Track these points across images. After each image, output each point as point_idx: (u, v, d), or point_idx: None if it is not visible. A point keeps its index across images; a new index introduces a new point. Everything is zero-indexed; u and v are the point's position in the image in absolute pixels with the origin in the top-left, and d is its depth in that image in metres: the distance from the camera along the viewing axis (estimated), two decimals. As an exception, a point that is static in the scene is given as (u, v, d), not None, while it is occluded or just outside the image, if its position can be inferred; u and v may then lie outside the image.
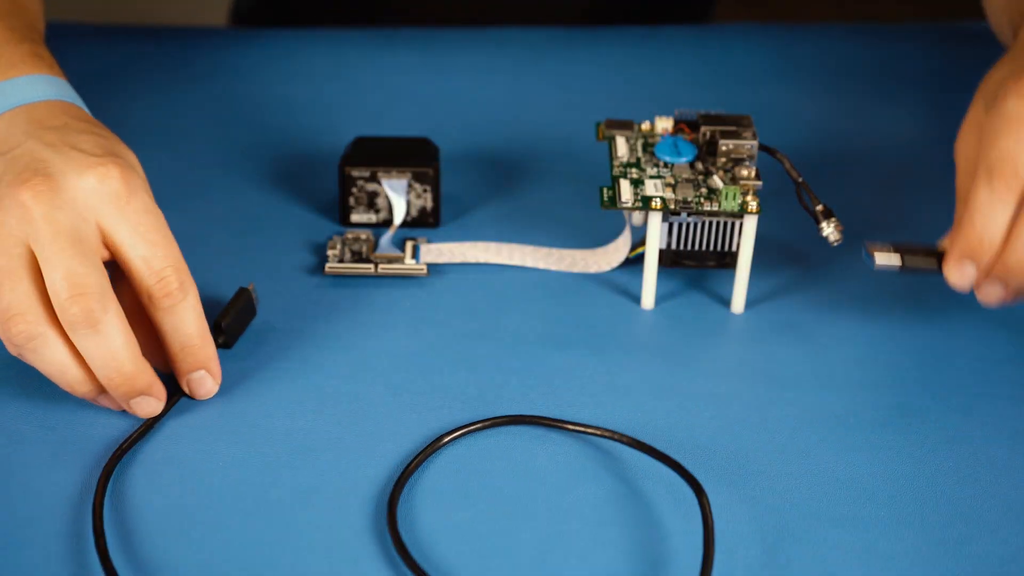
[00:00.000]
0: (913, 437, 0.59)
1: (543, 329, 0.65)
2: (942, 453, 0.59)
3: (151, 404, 0.57)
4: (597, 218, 0.73)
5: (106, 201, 0.56)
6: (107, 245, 0.57)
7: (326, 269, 0.68)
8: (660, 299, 0.68)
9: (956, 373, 0.63)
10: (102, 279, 0.55)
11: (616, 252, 0.68)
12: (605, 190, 0.66)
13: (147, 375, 0.56)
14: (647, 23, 1.01)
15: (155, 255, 0.57)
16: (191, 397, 0.59)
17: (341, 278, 0.69)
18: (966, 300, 0.68)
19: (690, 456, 0.58)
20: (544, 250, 0.70)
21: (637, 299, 0.68)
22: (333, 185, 0.75)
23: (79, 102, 0.62)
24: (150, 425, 0.58)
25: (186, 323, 0.57)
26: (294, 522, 0.54)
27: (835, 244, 0.65)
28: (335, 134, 0.80)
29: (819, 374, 0.63)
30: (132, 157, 0.60)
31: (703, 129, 0.68)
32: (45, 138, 0.58)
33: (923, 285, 0.69)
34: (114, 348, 0.55)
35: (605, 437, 0.58)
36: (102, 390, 0.57)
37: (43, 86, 0.61)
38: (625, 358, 0.64)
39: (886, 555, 0.53)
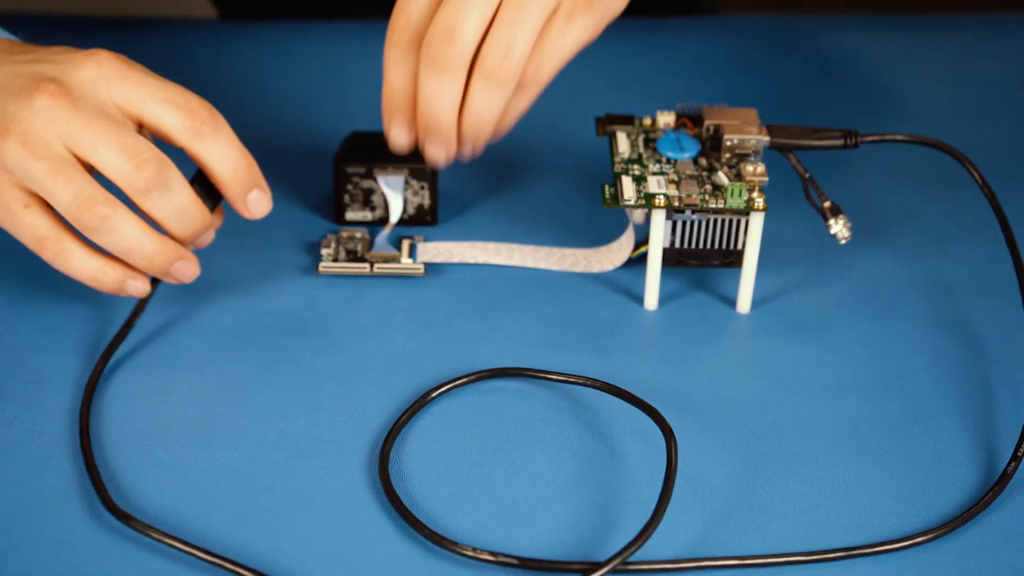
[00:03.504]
0: (925, 441, 0.58)
1: (544, 330, 0.64)
2: (953, 458, 0.57)
3: (210, 235, 0.63)
4: (599, 216, 0.72)
5: (112, 78, 0.59)
6: (131, 117, 0.59)
7: (320, 269, 0.67)
8: (663, 299, 0.67)
9: (968, 376, 0.62)
10: (148, 142, 0.58)
11: (619, 251, 0.67)
12: (607, 187, 0.64)
13: (207, 213, 0.61)
14: (648, 15, 1.00)
15: (175, 95, 0.59)
16: (250, 219, 0.62)
17: (336, 278, 0.67)
18: (979, 303, 0.67)
19: (695, 457, 0.57)
20: (545, 250, 0.69)
21: (640, 299, 0.66)
22: (327, 182, 0.74)
23: (16, 39, 0.64)
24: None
25: (230, 147, 0.60)
26: (288, 528, 0.53)
27: (844, 242, 0.64)
28: (329, 129, 0.79)
29: (828, 376, 0.62)
30: None
31: (706, 123, 0.66)
32: (19, 59, 0.60)
33: (933, 285, 0.68)
34: (185, 201, 0.59)
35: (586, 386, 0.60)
36: (177, 258, 0.60)
37: None
38: (628, 359, 0.62)
39: (896, 561, 0.52)
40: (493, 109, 0.59)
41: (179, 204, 0.59)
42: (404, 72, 0.60)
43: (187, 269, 0.61)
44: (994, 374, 0.62)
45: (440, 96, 0.59)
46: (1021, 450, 0.56)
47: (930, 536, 0.53)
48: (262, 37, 0.91)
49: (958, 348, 0.64)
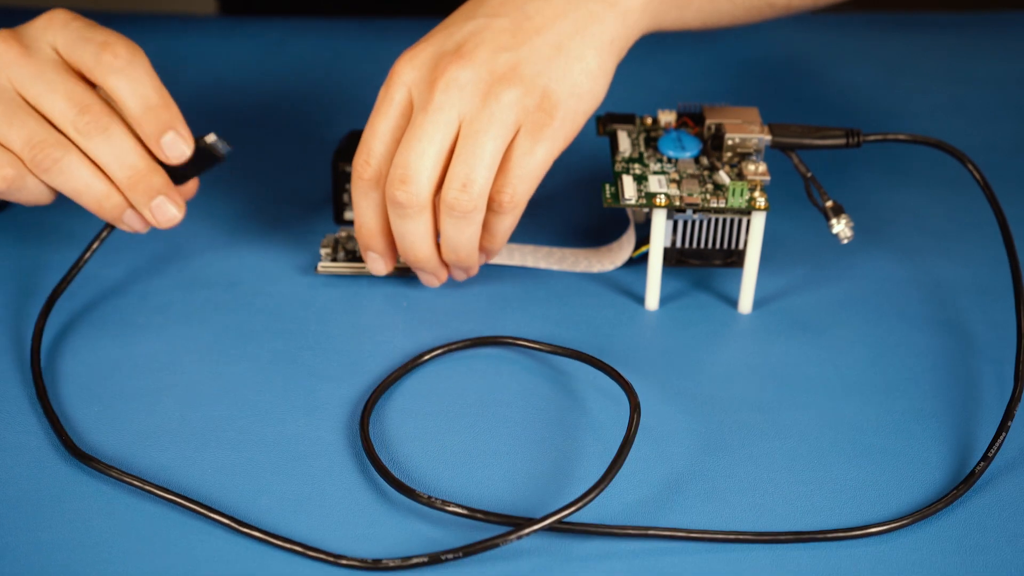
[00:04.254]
0: (928, 442, 0.58)
1: (544, 331, 0.64)
2: (958, 459, 0.57)
3: (171, 209, 0.61)
4: (599, 216, 0.71)
5: (56, 28, 0.61)
6: (69, 63, 0.61)
7: (319, 268, 0.67)
8: (665, 299, 0.66)
9: (970, 377, 0.62)
10: (95, 94, 0.60)
11: (619, 251, 0.67)
12: (607, 187, 0.64)
13: (161, 174, 0.61)
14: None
15: (96, 34, 0.60)
16: (167, 162, 0.61)
17: (334, 278, 0.67)
18: (981, 303, 0.66)
19: (697, 459, 0.56)
20: (545, 249, 0.68)
21: (641, 300, 0.66)
22: (326, 181, 0.73)
23: None
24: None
25: (142, 83, 0.60)
26: (287, 529, 0.53)
27: (846, 242, 0.63)
28: (328, 128, 0.79)
29: (830, 377, 0.61)
30: None
31: (708, 122, 0.66)
32: None
33: (935, 286, 0.68)
34: (126, 147, 0.60)
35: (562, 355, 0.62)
36: (126, 206, 0.61)
37: None
38: (629, 360, 0.62)
39: (899, 563, 0.52)
40: (465, 238, 0.60)
41: (119, 150, 0.60)
42: (371, 208, 0.62)
43: (137, 220, 0.62)
44: (996, 374, 0.62)
45: (409, 234, 0.61)
46: (991, 451, 0.56)
47: (885, 528, 0.53)
48: (261, 34, 0.91)
49: (960, 348, 0.64)
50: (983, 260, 0.69)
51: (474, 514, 0.52)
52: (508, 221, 0.61)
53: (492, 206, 0.60)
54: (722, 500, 0.55)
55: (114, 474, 0.54)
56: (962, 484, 0.55)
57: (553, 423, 0.58)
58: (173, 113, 0.61)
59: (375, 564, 0.51)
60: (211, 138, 0.62)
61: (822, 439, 0.58)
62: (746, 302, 0.66)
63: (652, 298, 0.66)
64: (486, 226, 0.61)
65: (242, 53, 0.88)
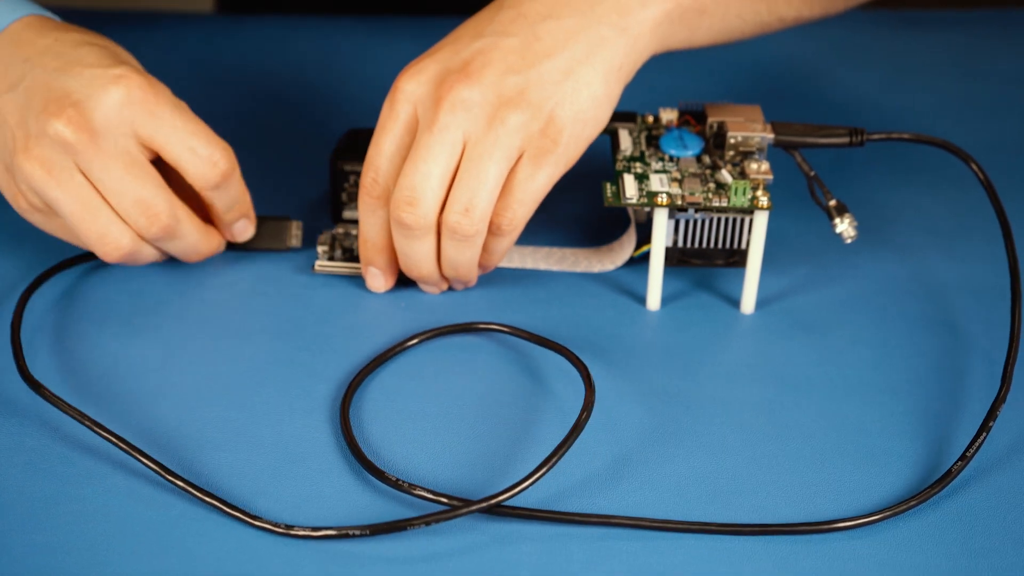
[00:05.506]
0: (931, 444, 0.58)
1: (545, 331, 0.63)
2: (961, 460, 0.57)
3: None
4: (600, 215, 0.71)
5: (137, 111, 0.60)
6: (149, 149, 0.61)
7: (316, 267, 0.66)
8: (666, 299, 0.66)
9: (974, 378, 0.61)
10: (167, 194, 0.61)
11: (620, 251, 0.66)
12: (608, 186, 0.64)
13: (215, 244, 0.65)
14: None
15: (199, 143, 0.61)
16: (232, 241, 0.66)
17: (332, 277, 0.67)
18: (984, 304, 0.66)
19: (700, 461, 0.56)
20: (545, 249, 0.68)
21: (642, 300, 0.66)
22: (324, 180, 0.73)
23: (48, 13, 0.64)
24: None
25: (235, 192, 0.63)
26: (284, 530, 0.52)
27: (850, 241, 0.63)
28: (326, 126, 0.78)
29: (833, 377, 0.61)
30: (130, 56, 0.63)
31: (710, 120, 0.66)
32: (48, 64, 0.60)
33: (939, 286, 0.67)
34: (192, 244, 0.63)
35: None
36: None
37: (9, 6, 0.63)
38: (630, 360, 0.62)
39: (903, 567, 0.52)
40: (465, 258, 0.61)
41: (185, 247, 0.63)
42: (376, 223, 0.62)
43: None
44: (998, 375, 0.61)
45: (414, 253, 0.61)
46: (970, 451, 0.56)
47: (852, 523, 0.53)
48: (259, 33, 0.90)
49: (963, 350, 0.63)
50: (986, 261, 0.69)
51: (438, 498, 0.53)
52: (506, 242, 0.62)
53: (491, 228, 0.61)
54: (724, 501, 0.54)
55: (79, 417, 0.56)
56: (936, 483, 0.55)
57: (552, 420, 0.58)
58: (249, 205, 0.65)
59: (287, 529, 0.52)
60: (294, 227, 0.67)
61: (822, 439, 0.58)
62: (748, 302, 0.65)
63: (653, 298, 0.65)
64: (483, 246, 0.62)
65: (240, 51, 0.87)
